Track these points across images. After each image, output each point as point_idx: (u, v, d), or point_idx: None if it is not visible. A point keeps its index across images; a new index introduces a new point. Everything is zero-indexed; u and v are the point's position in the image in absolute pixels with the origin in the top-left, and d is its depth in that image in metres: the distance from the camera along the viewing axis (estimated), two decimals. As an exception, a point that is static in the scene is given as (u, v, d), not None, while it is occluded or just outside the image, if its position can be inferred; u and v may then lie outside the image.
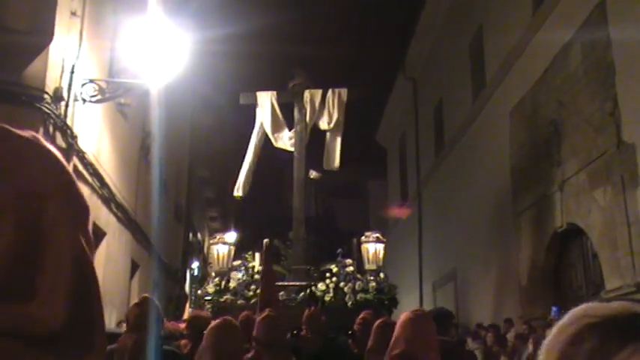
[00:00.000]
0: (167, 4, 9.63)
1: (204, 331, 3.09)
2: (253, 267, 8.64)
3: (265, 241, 6.28)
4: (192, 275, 19.28)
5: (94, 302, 0.64)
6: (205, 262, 23.29)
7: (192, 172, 18.03)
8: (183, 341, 4.99)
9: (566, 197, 8.85)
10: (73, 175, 0.70)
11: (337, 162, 9.43)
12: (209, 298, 8.43)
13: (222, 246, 9.00)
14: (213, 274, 9.08)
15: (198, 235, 21.71)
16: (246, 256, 8.90)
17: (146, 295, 3.52)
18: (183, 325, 5.54)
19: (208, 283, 8.82)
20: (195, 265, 19.85)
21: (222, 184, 25.34)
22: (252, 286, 8.17)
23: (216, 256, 9.01)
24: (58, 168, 0.68)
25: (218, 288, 8.42)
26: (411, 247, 18.47)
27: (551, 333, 0.68)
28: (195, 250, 20.14)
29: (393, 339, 2.56)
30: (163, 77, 7.64)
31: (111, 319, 9.18)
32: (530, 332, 8.31)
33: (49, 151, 0.69)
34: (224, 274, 8.62)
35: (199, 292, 9.36)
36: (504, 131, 11.31)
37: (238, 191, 9.76)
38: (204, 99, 18.86)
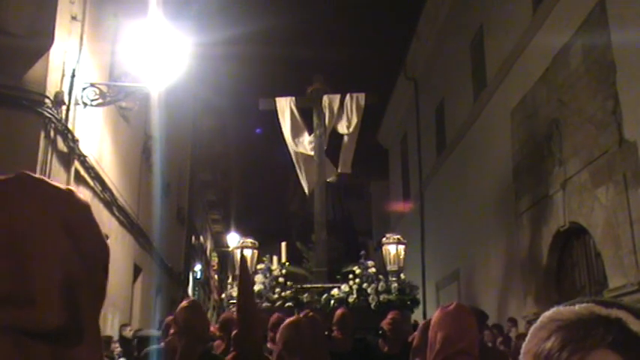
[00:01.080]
0: (168, 8, 9.64)
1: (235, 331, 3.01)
2: (275, 270, 8.70)
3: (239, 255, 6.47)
4: (194, 278, 19.29)
5: (82, 307, 0.81)
6: (208, 265, 23.31)
7: (193, 175, 18.04)
8: (216, 342, 5.09)
9: (569, 196, 8.83)
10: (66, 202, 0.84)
11: (350, 165, 9.69)
12: (234, 301, 8.55)
13: (246, 250, 8.98)
14: (231, 278, 9.09)
15: (201, 238, 21.71)
16: (264, 259, 8.91)
17: (193, 298, 3.56)
18: (213, 328, 5.64)
19: (232, 287, 8.88)
20: (197, 267, 19.86)
21: (223, 186, 25.37)
22: (277, 289, 8.25)
23: (238, 260, 8.85)
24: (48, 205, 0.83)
25: None
26: (414, 248, 18.44)
27: (528, 336, 0.72)
28: (197, 253, 20.15)
29: (434, 335, 2.33)
30: (164, 80, 7.65)
31: (114, 323, 9.17)
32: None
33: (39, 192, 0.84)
34: None
35: (223, 295, 9.40)
36: (506, 131, 11.30)
37: (306, 190, 9.83)
38: (206, 102, 18.88)
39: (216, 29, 15.07)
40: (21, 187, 0.84)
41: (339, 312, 5.01)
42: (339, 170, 9.72)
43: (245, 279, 3.28)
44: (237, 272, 8.47)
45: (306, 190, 9.77)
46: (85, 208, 0.86)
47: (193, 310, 3.33)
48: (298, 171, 9.85)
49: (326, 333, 4.84)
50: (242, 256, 6.21)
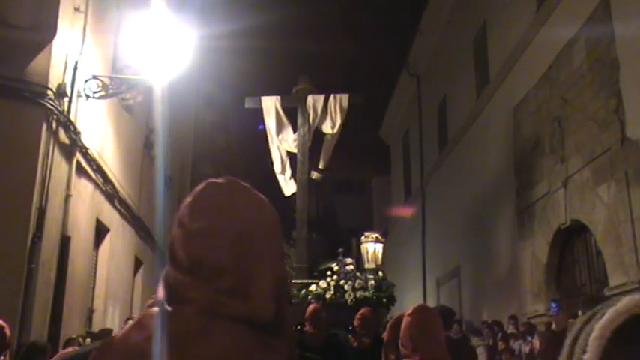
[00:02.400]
0: (171, 0, 9.62)
1: None
2: None
3: None
4: (195, 271, 19.31)
5: (286, 304, 0.97)
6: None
7: (195, 168, 18.03)
8: None
9: (570, 194, 8.83)
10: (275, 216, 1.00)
11: (326, 164, 10.00)
12: None
13: None
14: None
15: (202, 232, 21.72)
16: None
17: None
18: None
19: None
20: (198, 261, 19.87)
21: (225, 180, 25.37)
22: None
23: None
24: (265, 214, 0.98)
25: None
26: (415, 244, 18.46)
27: (606, 316, 0.69)
28: (198, 247, 20.17)
29: (402, 333, 2.61)
30: (167, 73, 7.63)
31: (114, 316, 9.20)
32: (527, 329, 8.33)
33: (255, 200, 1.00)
34: None
35: None
36: (508, 127, 11.29)
37: (285, 192, 10.01)
38: (208, 95, 18.86)
39: (219, 22, 15.05)
40: (240, 192, 0.98)
41: (311, 307, 5.12)
42: (320, 167, 10.02)
43: None
44: None
45: (285, 192, 9.99)
46: (276, 213, 0.99)
47: None
48: (278, 171, 10.04)
49: (298, 327, 4.96)
50: None
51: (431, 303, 16.03)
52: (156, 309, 0.92)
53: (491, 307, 11.89)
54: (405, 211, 20.17)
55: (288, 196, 10.05)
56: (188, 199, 0.98)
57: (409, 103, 20.29)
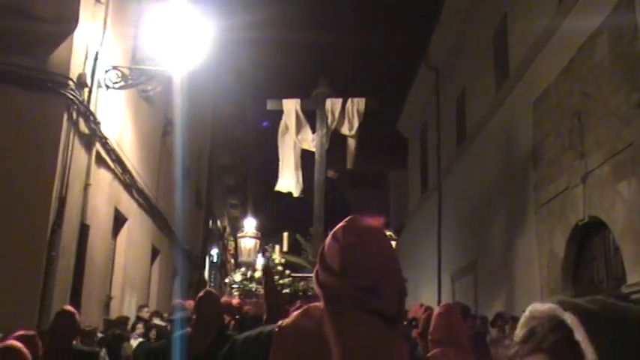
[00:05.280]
0: (190, -8, 9.64)
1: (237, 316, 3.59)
2: (274, 259, 9.61)
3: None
4: (211, 262, 19.46)
5: (403, 305, 1.34)
6: (225, 249, 23.49)
7: (212, 159, 18.14)
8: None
9: (589, 190, 8.74)
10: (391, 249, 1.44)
11: (352, 163, 10.53)
12: (236, 286, 9.45)
13: (249, 239, 10.19)
14: (237, 263, 10.18)
15: (218, 222, 21.87)
16: (267, 247, 9.74)
17: (208, 288, 4.09)
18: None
19: (235, 272, 9.99)
20: (214, 251, 20.02)
21: (242, 171, 25.47)
22: (276, 277, 8.86)
23: (243, 248, 10.18)
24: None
25: (244, 277, 9.47)
26: (431, 238, 18.41)
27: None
28: (215, 237, 20.31)
29: (431, 327, 3.19)
30: (186, 65, 7.68)
31: (131, 303, 9.32)
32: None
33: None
34: (250, 265, 9.73)
35: (227, 280, 10.46)
36: (527, 122, 11.18)
37: (295, 193, 10.42)
38: (226, 86, 18.92)
39: (238, 14, 15.07)
40: (376, 225, 1.42)
41: None
42: (347, 167, 10.58)
43: (271, 286, 4.23)
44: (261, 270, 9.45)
45: (295, 193, 10.38)
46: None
47: (207, 300, 3.56)
48: (291, 171, 10.39)
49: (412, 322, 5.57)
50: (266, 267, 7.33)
51: (446, 298, 15.99)
52: (318, 304, 1.35)
53: (507, 303, 11.83)
54: (375, 220, 20.08)
55: (297, 197, 10.46)
56: (341, 224, 1.40)
57: (428, 96, 20.17)
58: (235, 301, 7.43)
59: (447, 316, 3.20)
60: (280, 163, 10.50)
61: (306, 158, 10.58)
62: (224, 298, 7.01)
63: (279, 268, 9.18)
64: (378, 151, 24.40)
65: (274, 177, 10.61)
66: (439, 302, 14.57)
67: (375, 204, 27.78)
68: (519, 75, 11.96)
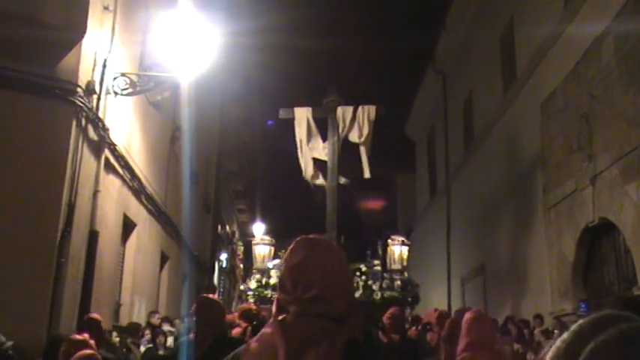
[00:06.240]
0: (197, -2, 9.70)
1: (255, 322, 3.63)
2: None
3: None
4: (220, 267, 19.47)
5: (356, 305, 1.61)
6: (234, 254, 23.52)
7: (220, 164, 18.18)
8: (235, 330, 5.37)
9: (598, 192, 8.70)
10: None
11: (368, 172, 10.51)
12: (251, 293, 9.50)
13: (263, 246, 10.26)
14: (245, 268, 10.24)
15: (227, 227, 21.90)
16: (280, 254, 9.84)
17: (206, 295, 4.17)
18: (230, 316, 6.02)
19: (250, 279, 9.99)
20: (223, 256, 20.03)
21: (250, 176, 25.51)
22: None
23: (257, 255, 10.25)
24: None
25: (259, 284, 9.52)
26: (439, 241, 18.36)
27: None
28: (223, 242, 20.33)
29: (463, 332, 3.35)
30: (193, 71, 7.72)
31: (140, 310, 9.34)
32: (555, 328, 8.23)
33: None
34: (264, 272, 9.74)
35: (242, 287, 10.54)
36: (535, 125, 11.15)
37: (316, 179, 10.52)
38: (234, 92, 18.97)
39: (245, 19, 15.13)
40: (320, 240, 1.62)
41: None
42: (364, 176, 10.56)
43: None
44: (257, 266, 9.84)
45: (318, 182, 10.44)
46: (344, 253, 1.65)
47: (202, 305, 3.70)
48: (311, 172, 10.50)
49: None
50: None
51: (456, 301, 15.94)
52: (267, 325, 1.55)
53: (517, 306, 11.78)
54: (430, 201, 20.00)
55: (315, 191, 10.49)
56: (290, 247, 1.59)
57: (435, 99, 20.15)
58: (254, 307, 7.47)
59: (480, 320, 3.39)
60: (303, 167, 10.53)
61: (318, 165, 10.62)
62: (244, 305, 7.06)
63: None
64: (386, 155, 24.38)
65: (282, 182, 10.66)
66: (449, 306, 14.54)
67: (383, 207, 27.75)
68: (526, 78, 11.93)
